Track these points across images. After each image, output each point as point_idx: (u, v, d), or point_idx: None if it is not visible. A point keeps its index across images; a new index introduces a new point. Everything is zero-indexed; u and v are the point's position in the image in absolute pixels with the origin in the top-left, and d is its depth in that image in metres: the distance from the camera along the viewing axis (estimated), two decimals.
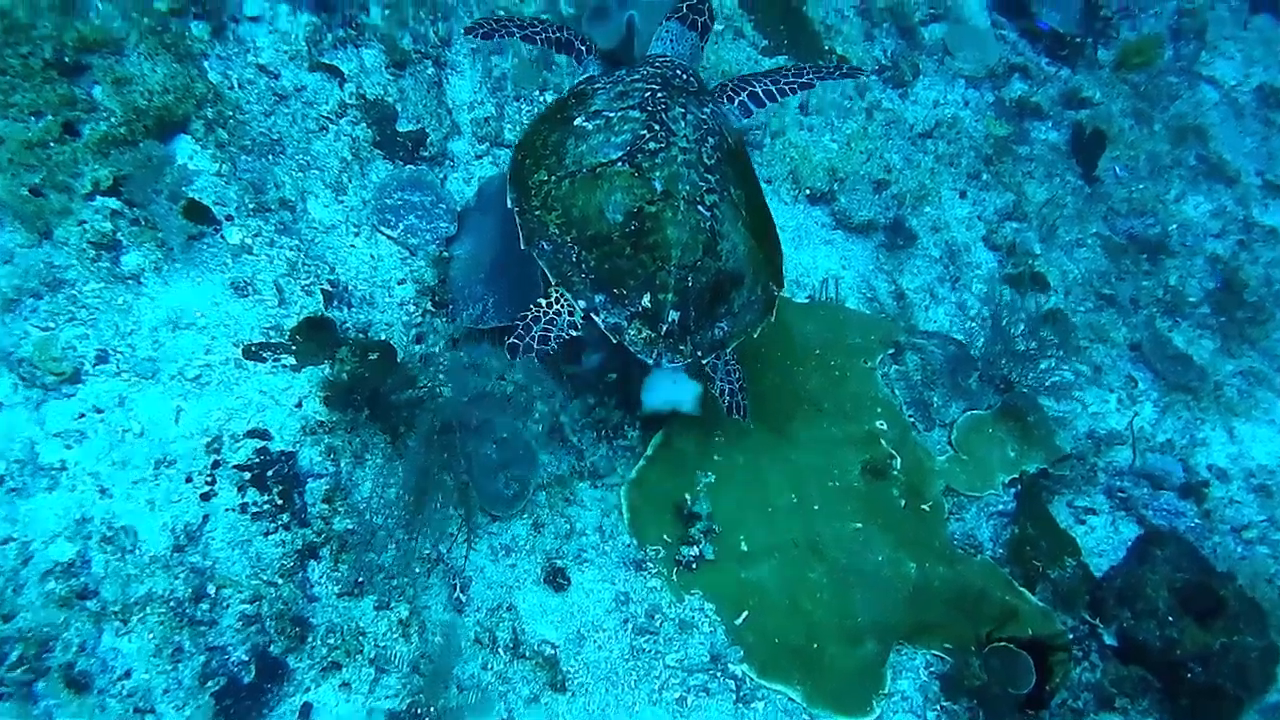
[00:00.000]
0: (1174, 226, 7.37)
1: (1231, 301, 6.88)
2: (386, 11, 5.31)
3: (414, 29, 5.36)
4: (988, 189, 6.95)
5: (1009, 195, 6.95)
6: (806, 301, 5.83)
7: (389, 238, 4.75)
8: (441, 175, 5.16)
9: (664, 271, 3.56)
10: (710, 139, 3.86)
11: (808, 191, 6.36)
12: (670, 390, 4.88)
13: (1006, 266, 6.63)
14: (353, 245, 4.65)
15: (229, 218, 4.26)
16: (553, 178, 3.72)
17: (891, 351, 5.60)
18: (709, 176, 3.75)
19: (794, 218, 6.27)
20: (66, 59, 4.05)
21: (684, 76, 4.19)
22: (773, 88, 4.56)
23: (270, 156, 4.58)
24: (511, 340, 3.58)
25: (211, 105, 4.41)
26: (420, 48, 5.34)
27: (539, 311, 3.65)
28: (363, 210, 4.75)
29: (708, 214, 3.67)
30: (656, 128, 3.75)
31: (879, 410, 5.21)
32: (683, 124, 3.81)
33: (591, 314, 3.61)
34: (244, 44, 4.71)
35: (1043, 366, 5.46)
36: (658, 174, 3.64)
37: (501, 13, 5.77)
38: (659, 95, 3.89)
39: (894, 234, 6.38)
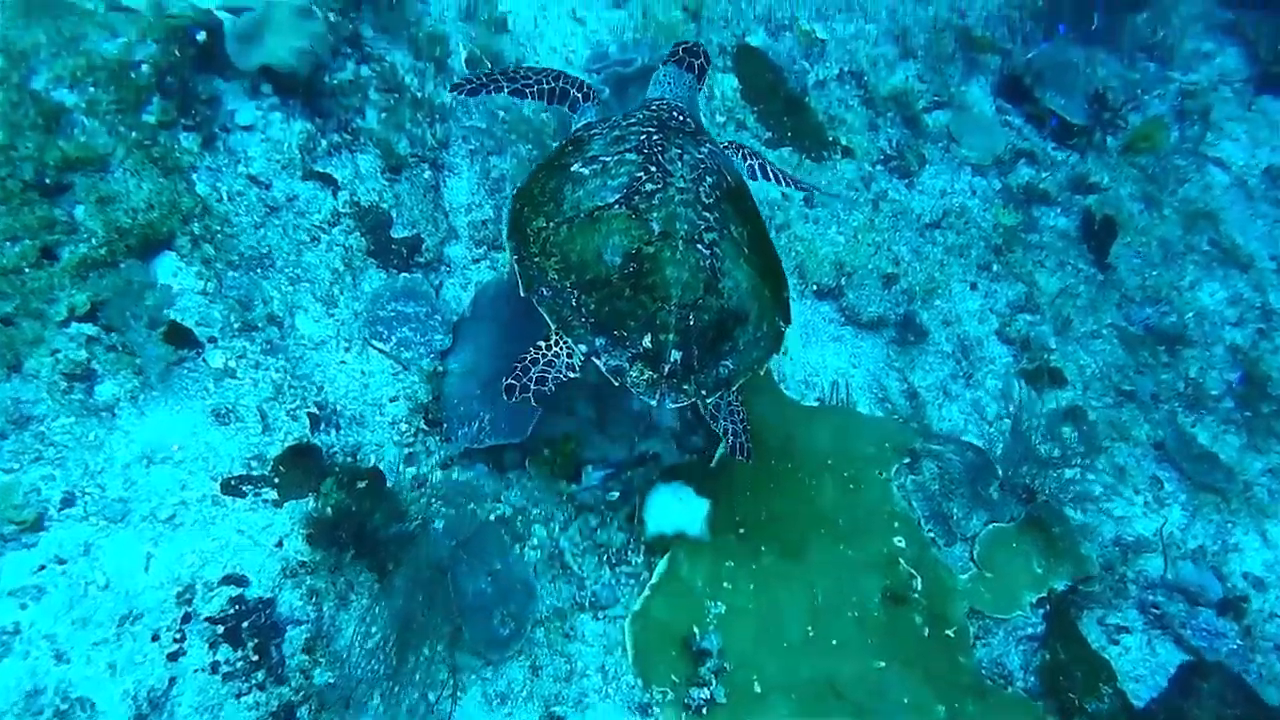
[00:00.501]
0: (1190, 315, 7.17)
1: (1255, 395, 6.64)
2: (383, 115, 5.19)
3: (410, 132, 5.23)
4: (999, 280, 6.77)
5: (1020, 286, 6.76)
6: (816, 405, 5.59)
7: (381, 352, 4.54)
8: (437, 282, 4.98)
9: (664, 311, 3.48)
10: (708, 178, 3.81)
11: (815, 287, 6.18)
12: (675, 511, 4.62)
13: (1021, 361, 6.41)
14: (343, 361, 4.44)
15: (212, 339, 4.05)
16: (550, 224, 3.66)
17: (907, 460, 5.34)
18: (707, 215, 3.68)
19: (801, 314, 6.07)
20: (48, 179, 3.89)
21: (680, 118, 4.17)
22: (774, 170, 4.71)
23: (259, 270, 4.39)
24: (509, 381, 3.51)
25: (199, 220, 4.24)
26: (417, 151, 5.20)
27: (537, 353, 3.58)
28: (354, 323, 4.55)
29: (707, 252, 3.59)
30: (653, 169, 3.71)
31: (896, 525, 4.93)
32: (679, 164, 3.78)
33: (593, 357, 3.51)
34: (235, 154, 4.56)
35: (1067, 476, 5.19)
36: (655, 214, 3.58)
37: (502, 114, 5.67)
38: (655, 137, 3.87)
39: (904, 330, 6.18)
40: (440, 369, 4.59)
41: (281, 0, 4.87)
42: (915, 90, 7.56)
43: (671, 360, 3.50)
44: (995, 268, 6.79)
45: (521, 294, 3.69)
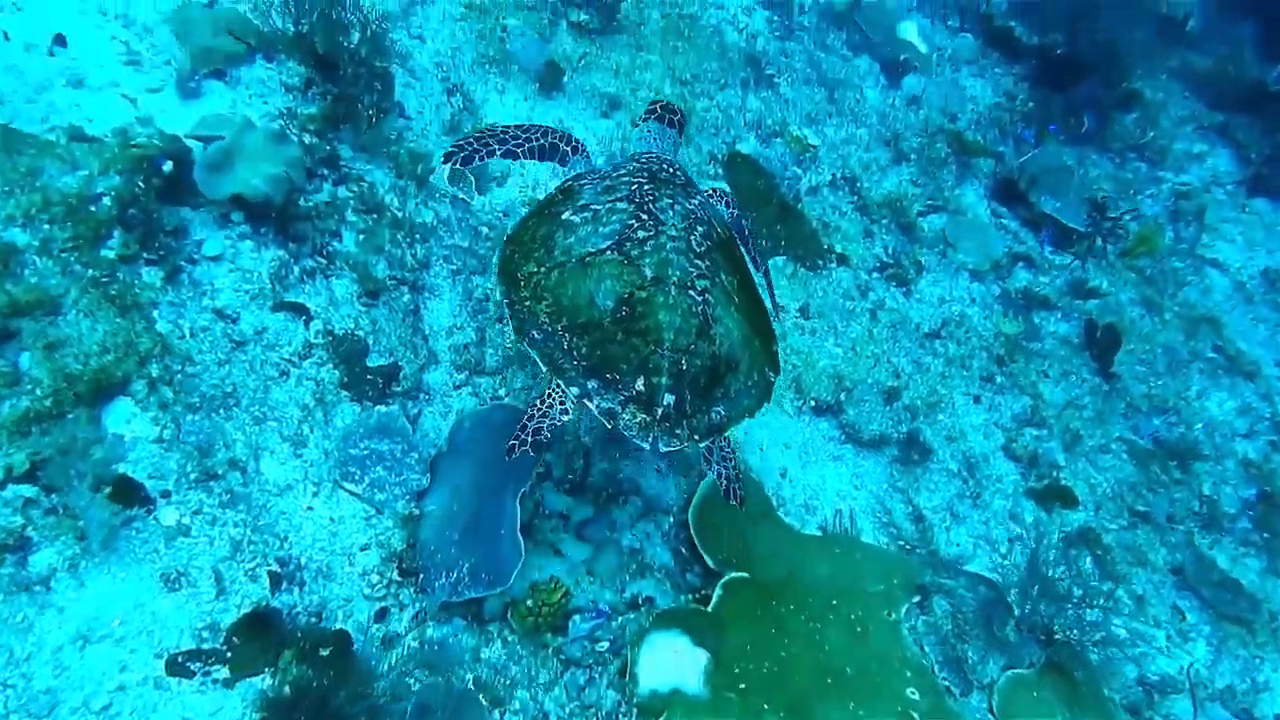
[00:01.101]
0: (1200, 426, 6.93)
1: (1272, 513, 6.35)
2: (361, 237, 4.97)
3: (390, 253, 5.01)
4: (1003, 392, 6.52)
5: (1025, 399, 6.52)
6: (819, 534, 5.26)
7: (352, 494, 4.22)
8: (415, 411, 4.68)
9: (657, 355, 3.43)
10: (699, 227, 3.80)
11: (813, 402, 5.91)
12: (671, 665, 4.25)
13: (1029, 479, 6.13)
14: (309, 508, 4.11)
15: (165, 493, 3.72)
16: (541, 269, 3.63)
17: (917, 599, 5.00)
18: (699, 262, 3.66)
19: (800, 432, 5.79)
20: None
21: (670, 170, 4.17)
22: (749, 238, 4.53)
23: (222, 411, 4.09)
24: (511, 443, 3.52)
25: (157, 360, 3.96)
26: (396, 273, 4.97)
27: (534, 410, 3.59)
28: (324, 464, 4.23)
29: (700, 298, 3.56)
30: (645, 217, 3.70)
31: (908, 675, 4.56)
32: (671, 214, 3.77)
33: (585, 400, 3.46)
34: (200, 287, 4.31)
35: (1089, 619, 4.86)
36: (647, 260, 3.56)
37: (485, 230, 5.48)
38: (646, 187, 3.87)
39: (908, 448, 5.89)
40: (416, 511, 4.26)
41: (254, 126, 4.69)
42: (909, 195, 7.45)
43: (665, 404, 3.44)
44: (998, 379, 6.56)
45: (510, 338, 3.59)
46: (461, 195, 5.60)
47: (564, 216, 3.78)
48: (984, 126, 8.55)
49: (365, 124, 5.26)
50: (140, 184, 4.26)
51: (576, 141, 4.50)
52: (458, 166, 4.28)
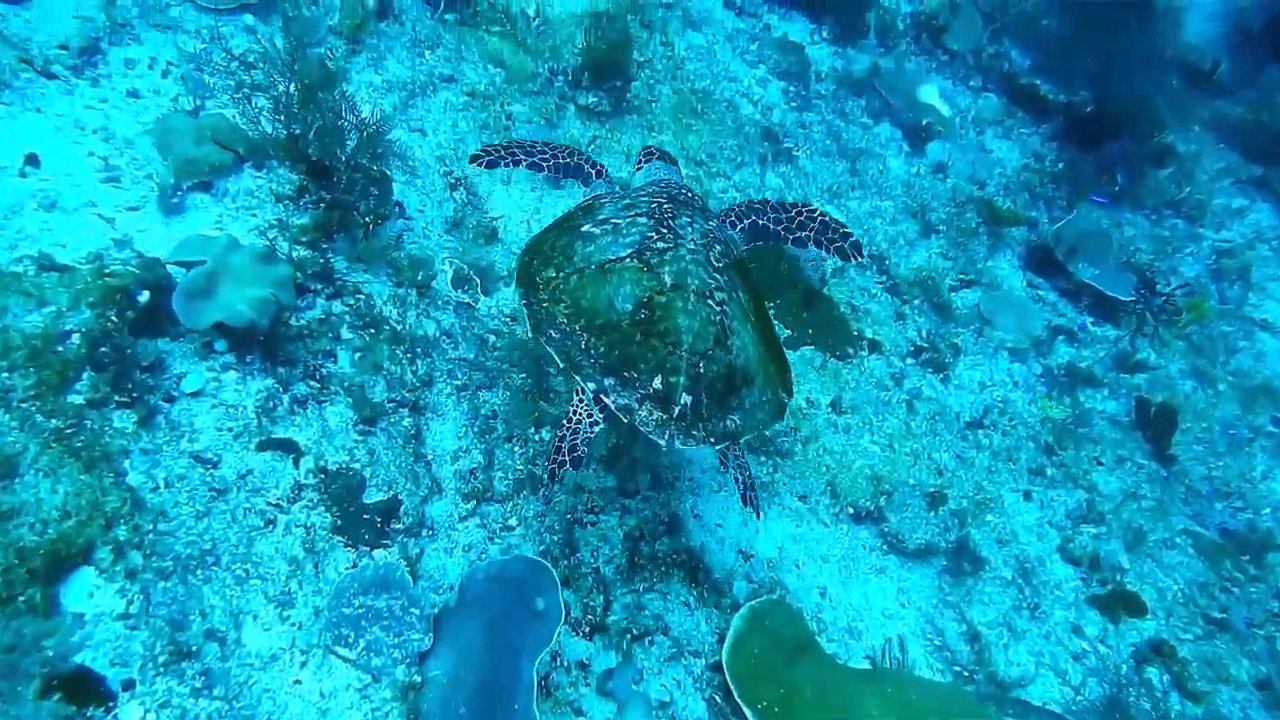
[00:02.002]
0: (1267, 511, 6.33)
1: None
2: (357, 356, 4.54)
3: (389, 372, 4.57)
4: (1054, 486, 5.96)
5: (1079, 492, 5.95)
6: (867, 667, 4.70)
7: (346, 660, 3.72)
8: (417, 549, 4.19)
9: (675, 356, 3.43)
10: (717, 246, 3.82)
11: (850, 509, 5.38)
12: None
13: (1091, 584, 5.54)
14: (297, 681, 3.60)
15: (129, 684, 3.24)
16: (560, 274, 3.64)
17: None
18: (717, 276, 3.67)
19: (838, 543, 5.25)
20: None
21: (688, 194, 4.21)
22: (776, 227, 4.38)
23: (199, 573, 3.62)
24: (550, 468, 3.51)
25: (125, 522, 3.50)
26: (395, 394, 4.52)
27: (563, 431, 3.54)
28: (314, 626, 3.74)
29: (718, 309, 3.57)
30: (664, 231, 3.72)
31: None
32: (690, 230, 3.79)
33: (602, 396, 3.44)
34: (178, 429, 3.87)
35: None
36: (666, 269, 3.57)
37: (493, 339, 5.03)
38: (666, 206, 3.90)
39: (958, 558, 5.34)
40: (418, 679, 3.75)
41: (239, 245, 4.29)
42: (940, 269, 6.98)
43: (682, 403, 3.41)
44: (1049, 471, 6.00)
45: (528, 336, 3.67)
46: (466, 299, 5.17)
47: (584, 229, 3.80)
48: (1014, 191, 8.10)
49: (361, 232, 4.86)
50: (113, 318, 3.85)
51: (601, 165, 4.58)
52: (483, 168, 4.41)
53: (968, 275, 7.10)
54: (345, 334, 4.59)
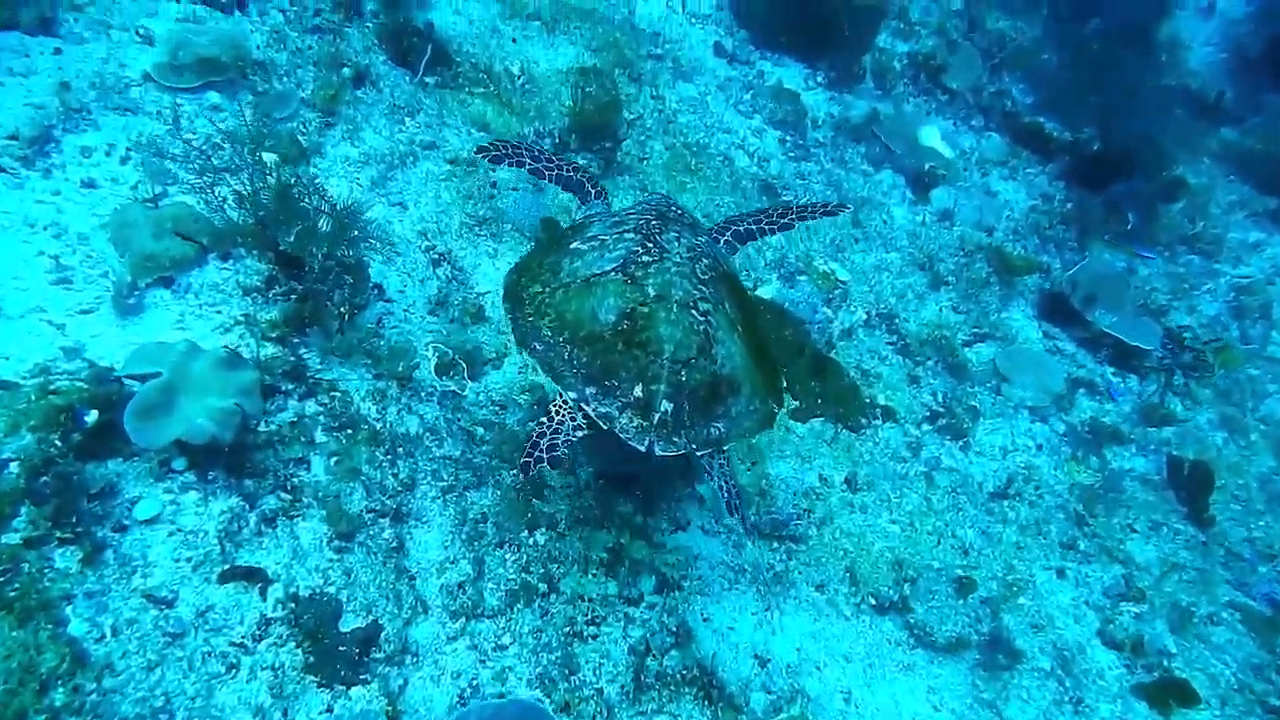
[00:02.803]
0: None
1: None
2: (333, 461, 4.13)
3: (367, 477, 4.16)
4: (1089, 560, 5.52)
5: (1116, 566, 5.51)
6: None
7: None
8: (401, 681, 3.76)
9: (656, 364, 3.48)
10: (704, 259, 3.84)
11: (872, 599, 4.93)
12: None
13: (1136, 671, 5.08)
14: None
15: None
16: (546, 289, 3.71)
17: None
18: (703, 288, 3.69)
19: (861, 638, 4.80)
20: None
21: (678, 211, 4.24)
22: (754, 227, 4.50)
23: None
24: (524, 460, 3.43)
25: (64, 682, 3.08)
26: (375, 503, 4.11)
27: (542, 428, 3.52)
28: None
29: (701, 319, 3.60)
30: (650, 245, 3.76)
31: None
32: (676, 244, 3.82)
33: (583, 404, 3.48)
34: (129, 564, 3.46)
35: None
36: (650, 281, 3.62)
37: (481, 430, 4.63)
38: (653, 222, 3.94)
39: (991, 650, 4.88)
40: None
41: (199, 351, 3.90)
42: (951, 324, 6.59)
43: (662, 410, 3.45)
44: (1082, 544, 5.56)
45: (514, 348, 3.81)
46: (452, 388, 4.78)
47: (572, 246, 3.85)
48: (1023, 234, 7.73)
49: (336, 324, 4.48)
50: (57, 442, 3.46)
51: (602, 188, 4.59)
52: (488, 161, 4.46)
53: (981, 329, 6.70)
54: (319, 437, 4.19)
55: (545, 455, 3.43)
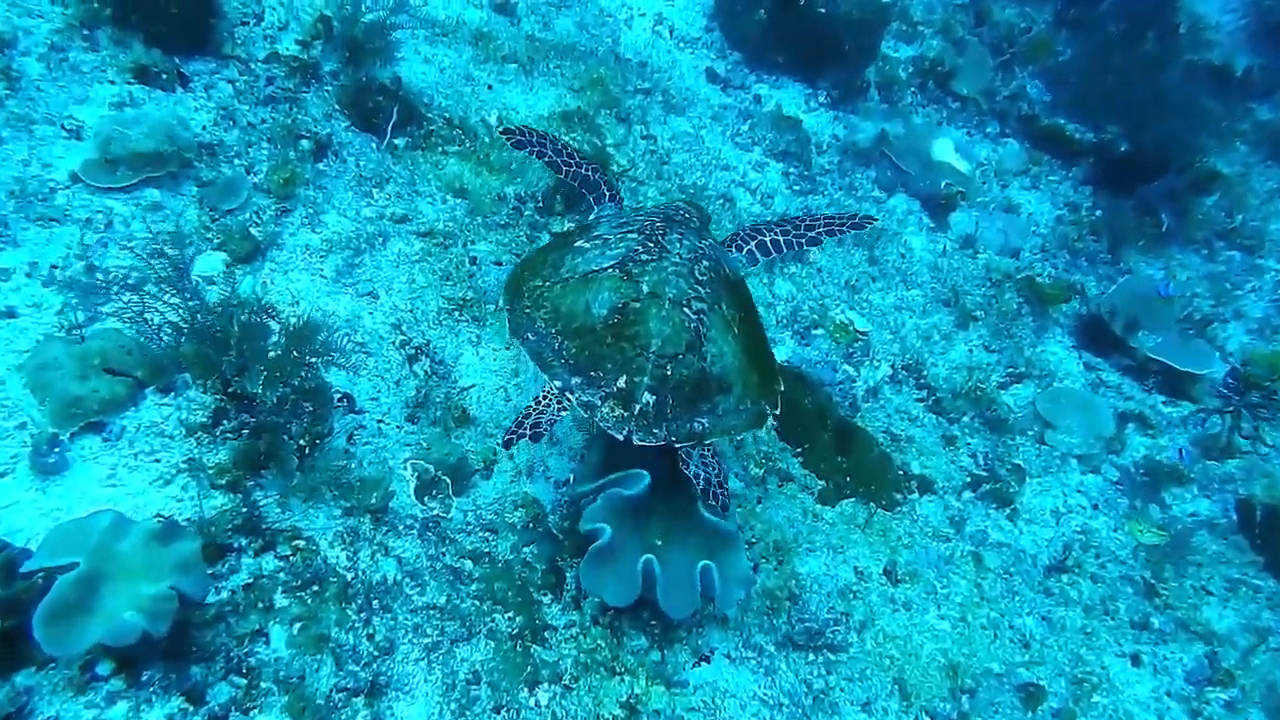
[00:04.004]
0: None
1: None
2: (296, 629, 3.44)
3: (338, 644, 3.46)
4: (1164, 640, 4.75)
5: (1197, 644, 4.73)
6: None
7: None
8: None
9: (641, 357, 3.47)
10: (704, 261, 3.78)
11: (927, 717, 4.19)
12: None
13: None
14: None
15: None
16: (546, 283, 3.71)
17: None
18: (699, 288, 3.65)
19: None
20: None
21: (686, 215, 4.13)
22: (780, 238, 4.30)
23: None
24: (506, 437, 3.46)
25: None
26: (347, 678, 3.41)
27: (530, 410, 3.52)
28: None
29: (694, 317, 3.57)
30: (651, 245, 3.74)
31: None
32: (678, 245, 3.78)
33: (567, 393, 3.49)
34: None
35: None
36: (646, 279, 3.60)
37: (469, 565, 3.92)
38: (658, 224, 3.89)
39: None
40: None
41: (126, 524, 3.20)
42: (984, 365, 5.80)
43: (643, 401, 3.44)
44: (1155, 621, 4.79)
45: (507, 338, 3.93)
46: (435, 511, 4.07)
47: (576, 244, 3.85)
48: (1051, 252, 6.91)
49: (296, 461, 3.77)
50: None
51: (616, 190, 4.49)
52: (512, 146, 4.46)
53: (1016, 367, 5.91)
54: (280, 601, 3.50)
55: (529, 432, 3.45)
